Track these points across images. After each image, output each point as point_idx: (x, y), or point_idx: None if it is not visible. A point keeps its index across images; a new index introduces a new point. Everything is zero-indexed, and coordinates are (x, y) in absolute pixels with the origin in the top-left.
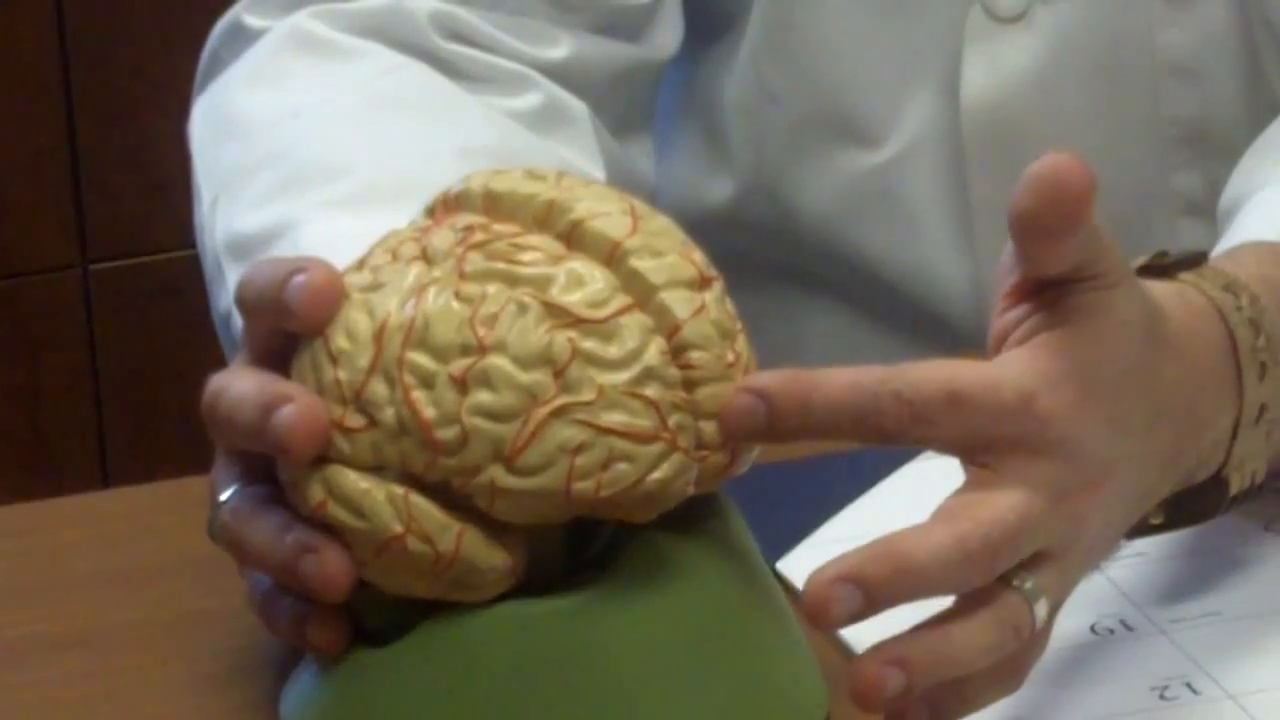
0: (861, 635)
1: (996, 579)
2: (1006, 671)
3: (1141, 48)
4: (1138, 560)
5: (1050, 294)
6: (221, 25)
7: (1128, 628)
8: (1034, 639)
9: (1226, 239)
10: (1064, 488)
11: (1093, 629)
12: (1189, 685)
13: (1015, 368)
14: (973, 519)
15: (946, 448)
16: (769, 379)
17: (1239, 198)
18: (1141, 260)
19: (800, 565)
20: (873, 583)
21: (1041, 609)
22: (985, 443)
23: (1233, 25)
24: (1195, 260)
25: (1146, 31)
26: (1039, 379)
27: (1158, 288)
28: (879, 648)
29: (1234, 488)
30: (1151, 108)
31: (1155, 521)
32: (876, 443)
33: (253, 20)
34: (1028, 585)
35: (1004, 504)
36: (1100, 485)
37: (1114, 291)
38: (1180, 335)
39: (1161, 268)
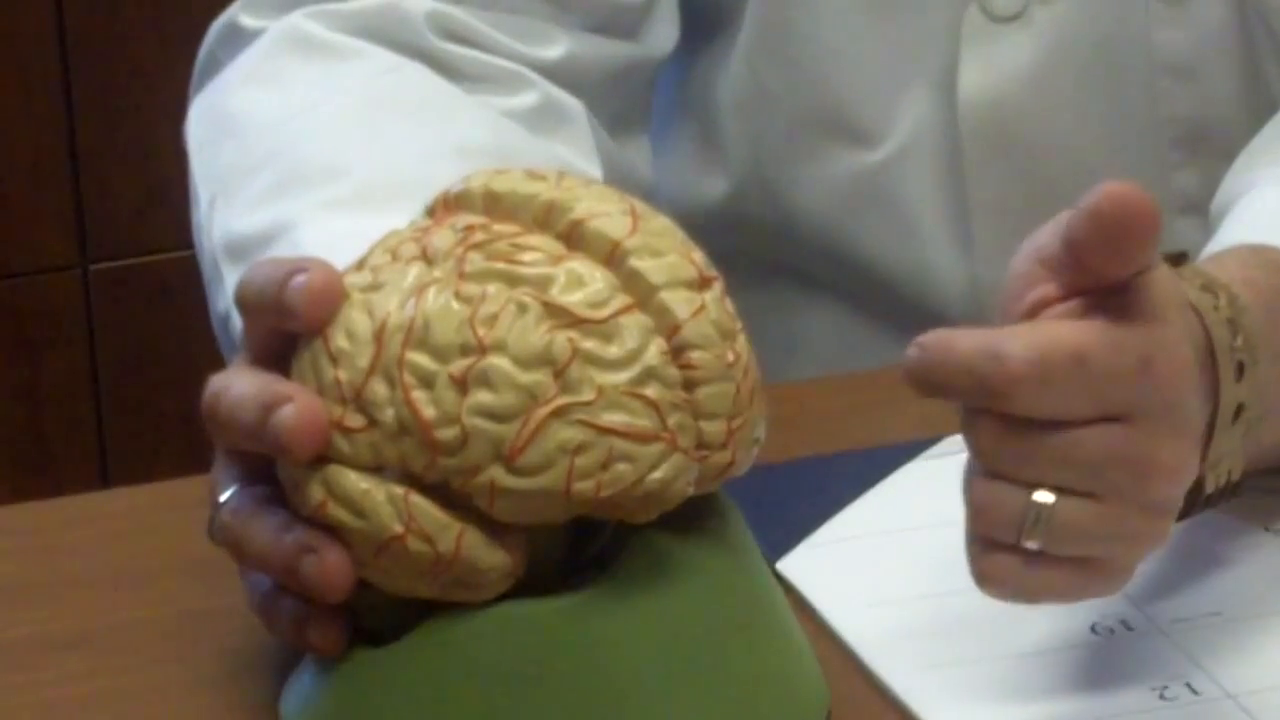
0: (862, 634)
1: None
2: None
3: (1139, 47)
4: None
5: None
6: (217, 26)
7: (1128, 628)
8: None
9: (1212, 243)
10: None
11: (1093, 629)
12: (1189, 685)
13: (1128, 329)
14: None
15: (1066, 412)
16: (928, 336)
17: (1228, 201)
18: None
19: (800, 565)
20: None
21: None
22: (1104, 408)
23: (1230, 24)
24: (1175, 261)
25: (1144, 31)
26: (1153, 344)
27: None
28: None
29: (1209, 487)
30: (1149, 107)
31: None
32: (988, 404)
33: (249, 21)
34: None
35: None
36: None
37: (1158, 272)
38: None
39: None
